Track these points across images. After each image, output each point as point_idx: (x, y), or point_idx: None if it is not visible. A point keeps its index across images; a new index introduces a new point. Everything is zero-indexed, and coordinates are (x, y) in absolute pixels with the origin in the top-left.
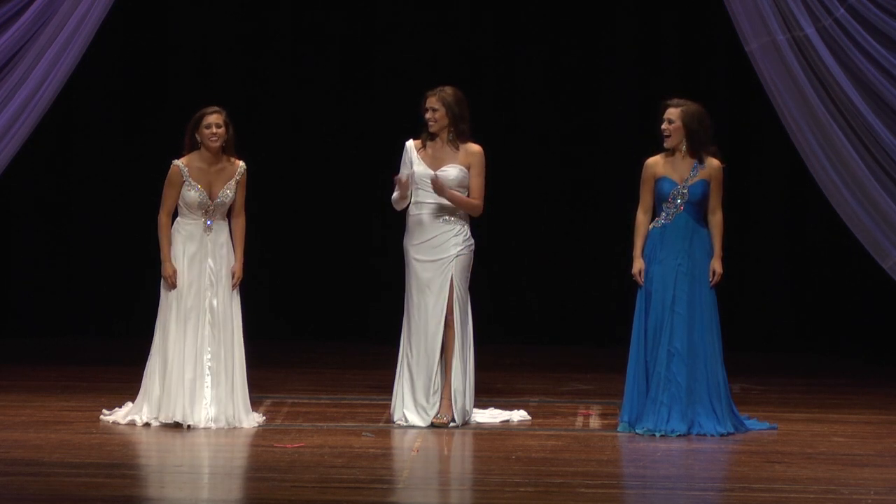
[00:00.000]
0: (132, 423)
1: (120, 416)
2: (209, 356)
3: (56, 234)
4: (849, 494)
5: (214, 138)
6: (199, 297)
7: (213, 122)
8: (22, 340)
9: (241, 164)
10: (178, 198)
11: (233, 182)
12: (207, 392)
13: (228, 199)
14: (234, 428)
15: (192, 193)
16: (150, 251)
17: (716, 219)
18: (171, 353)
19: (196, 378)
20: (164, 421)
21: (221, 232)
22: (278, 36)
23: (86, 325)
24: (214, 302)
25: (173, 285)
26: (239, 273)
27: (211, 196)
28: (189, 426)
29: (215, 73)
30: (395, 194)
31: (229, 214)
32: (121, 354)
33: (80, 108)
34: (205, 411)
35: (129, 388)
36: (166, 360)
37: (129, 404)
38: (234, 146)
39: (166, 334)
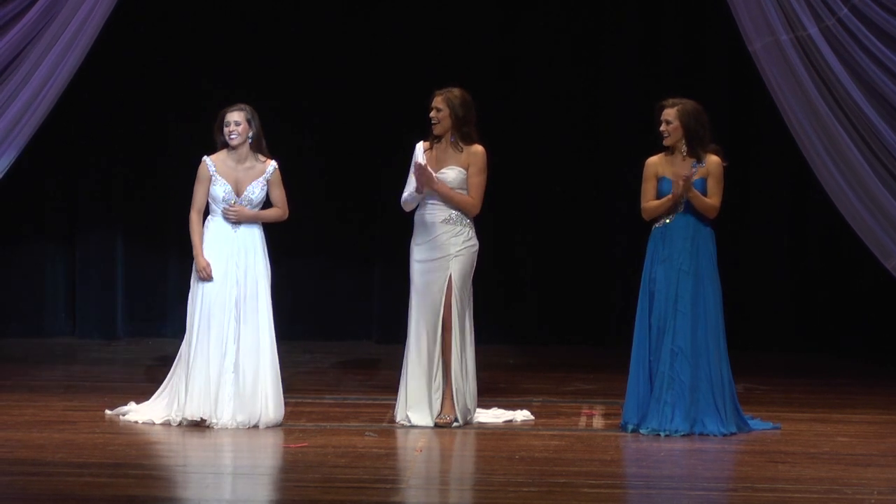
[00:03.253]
0: (167, 424)
1: (142, 415)
2: (233, 355)
3: (61, 234)
4: (852, 494)
5: (234, 136)
6: (225, 296)
7: (232, 119)
8: (25, 340)
9: (272, 163)
10: (206, 194)
11: (261, 180)
12: (230, 390)
13: (256, 196)
14: (259, 427)
15: (218, 188)
16: (155, 252)
17: (711, 201)
18: (195, 352)
19: (220, 376)
20: (188, 419)
21: (249, 233)
22: (281, 35)
23: (88, 326)
24: (241, 301)
25: (209, 277)
26: (238, 209)
27: (237, 192)
28: (212, 424)
29: (219, 72)
30: (405, 193)
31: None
32: (124, 355)
33: (84, 109)
34: (228, 410)
35: (131, 387)
36: (191, 358)
37: (133, 403)
38: (263, 145)
39: (191, 333)
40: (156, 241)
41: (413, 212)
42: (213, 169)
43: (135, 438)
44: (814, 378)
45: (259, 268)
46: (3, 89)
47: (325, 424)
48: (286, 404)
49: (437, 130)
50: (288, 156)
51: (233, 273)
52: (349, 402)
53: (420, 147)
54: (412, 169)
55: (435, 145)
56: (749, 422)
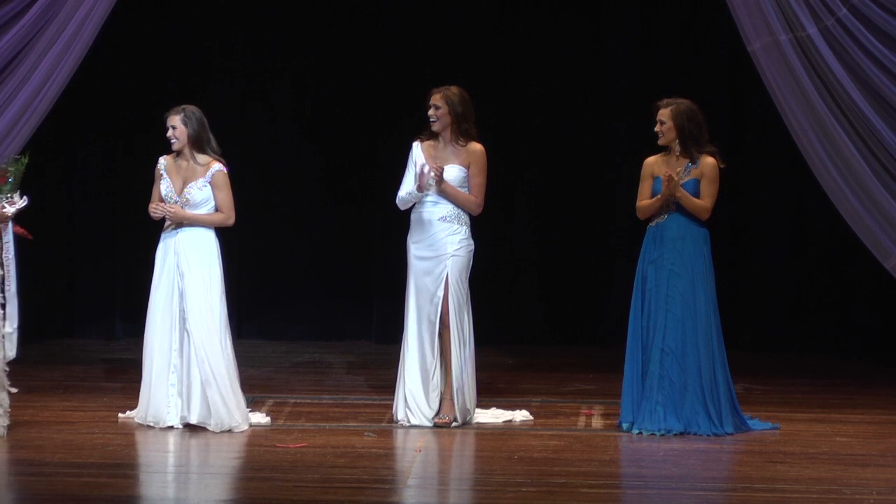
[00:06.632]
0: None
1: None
2: (176, 357)
3: (59, 233)
4: (851, 494)
5: (173, 140)
6: (165, 302)
7: (169, 124)
8: (24, 340)
9: (216, 165)
10: (159, 192)
11: (202, 181)
12: (173, 392)
13: (193, 197)
14: (228, 430)
15: (164, 187)
16: (154, 252)
17: (702, 202)
18: (145, 354)
19: (161, 381)
20: (141, 421)
21: (192, 237)
22: (280, 34)
23: (86, 326)
24: (183, 305)
25: (157, 210)
26: (169, 208)
27: (178, 192)
28: (158, 426)
29: (217, 71)
30: (403, 192)
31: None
32: (122, 355)
33: (82, 108)
34: (173, 412)
35: (130, 388)
36: (143, 362)
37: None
38: (205, 144)
39: (146, 336)
40: (155, 241)
41: (409, 210)
42: (163, 168)
43: (134, 438)
44: (814, 378)
45: (201, 272)
46: (2, 89)
47: (324, 424)
48: (285, 404)
49: (435, 128)
50: (287, 155)
51: (172, 278)
52: (348, 402)
53: (418, 146)
54: (409, 167)
55: (432, 143)
56: (748, 422)
